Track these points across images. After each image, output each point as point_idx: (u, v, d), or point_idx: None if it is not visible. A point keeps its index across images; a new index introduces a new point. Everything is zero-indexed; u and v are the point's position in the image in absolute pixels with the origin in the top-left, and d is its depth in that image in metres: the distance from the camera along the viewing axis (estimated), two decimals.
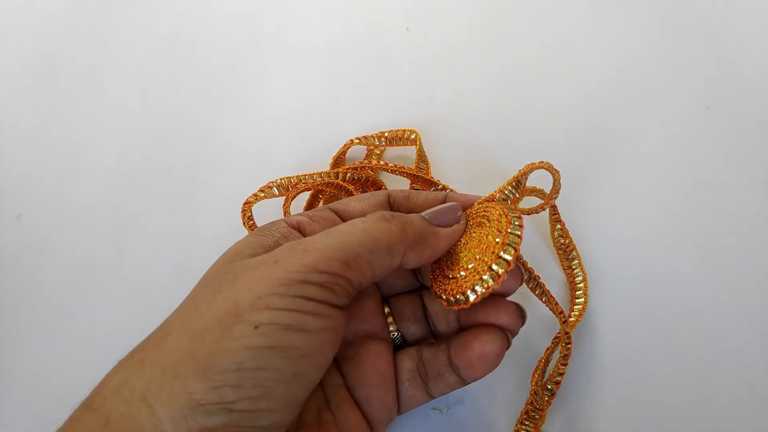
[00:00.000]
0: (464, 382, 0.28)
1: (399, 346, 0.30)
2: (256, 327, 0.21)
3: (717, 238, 0.37)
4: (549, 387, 0.32)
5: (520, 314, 0.28)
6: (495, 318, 0.27)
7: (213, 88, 0.44)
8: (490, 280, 0.24)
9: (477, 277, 0.24)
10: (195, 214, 0.40)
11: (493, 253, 0.24)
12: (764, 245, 0.37)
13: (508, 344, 0.27)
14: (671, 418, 0.32)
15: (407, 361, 0.29)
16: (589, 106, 0.43)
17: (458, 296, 0.25)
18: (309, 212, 0.28)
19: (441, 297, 0.26)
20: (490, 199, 0.28)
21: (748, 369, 0.33)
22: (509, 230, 0.25)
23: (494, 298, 0.28)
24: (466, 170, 0.39)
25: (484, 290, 0.24)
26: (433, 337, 0.30)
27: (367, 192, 0.34)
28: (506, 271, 0.24)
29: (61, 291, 0.37)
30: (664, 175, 0.39)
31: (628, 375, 0.33)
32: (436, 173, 0.39)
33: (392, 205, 0.29)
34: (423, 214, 0.27)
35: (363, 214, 0.28)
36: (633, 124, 0.42)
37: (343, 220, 0.28)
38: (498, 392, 0.33)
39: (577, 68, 0.44)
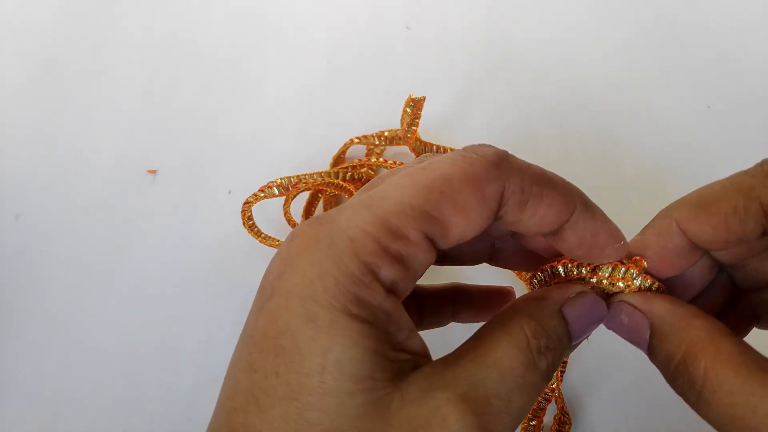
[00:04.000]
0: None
1: None
2: None
3: None
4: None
5: None
6: None
7: (213, 88, 0.44)
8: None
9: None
10: (194, 214, 0.39)
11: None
12: None
13: None
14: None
15: None
16: (589, 106, 0.43)
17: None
18: (397, 246, 0.19)
19: None
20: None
21: None
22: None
23: None
24: None
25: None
26: None
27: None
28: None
29: (60, 291, 0.37)
30: (664, 175, 0.39)
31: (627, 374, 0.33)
32: None
33: (500, 209, 0.21)
34: (570, 320, 0.21)
35: (465, 235, 0.20)
36: (633, 122, 0.42)
37: (437, 244, 0.20)
38: None
39: (577, 67, 0.44)
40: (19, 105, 0.44)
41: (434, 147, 0.38)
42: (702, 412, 0.19)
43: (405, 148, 0.40)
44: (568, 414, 0.32)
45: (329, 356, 0.18)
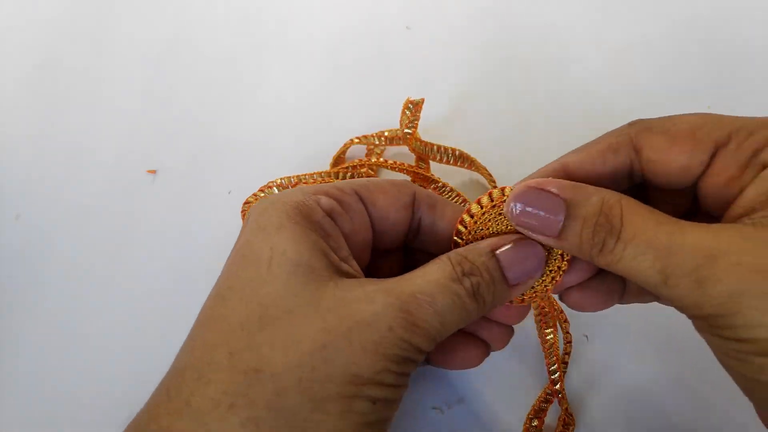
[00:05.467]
0: (428, 365, 0.29)
1: None
2: (374, 403, 0.21)
3: None
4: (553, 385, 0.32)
5: (509, 337, 0.28)
6: (487, 335, 0.28)
7: (213, 88, 0.44)
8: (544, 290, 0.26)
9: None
10: (194, 214, 0.39)
11: (549, 277, 0.26)
12: None
13: (488, 355, 0.28)
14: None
15: None
16: (589, 105, 0.43)
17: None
18: (333, 190, 0.26)
19: None
20: None
21: None
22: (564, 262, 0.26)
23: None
24: (465, 169, 0.39)
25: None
26: None
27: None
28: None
29: (60, 291, 0.37)
30: None
31: (628, 374, 0.33)
32: (436, 171, 0.39)
33: (415, 208, 0.28)
34: (500, 257, 0.24)
35: (387, 208, 0.26)
36: None
37: (369, 211, 0.27)
38: (499, 391, 0.33)
39: (577, 67, 0.44)
40: (19, 105, 0.44)
41: (434, 147, 0.38)
42: (617, 256, 0.22)
43: (405, 148, 0.40)
44: (572, 415, 0.31)
45: (276, 249, 0.23)
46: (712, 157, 0.23)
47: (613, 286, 0.26)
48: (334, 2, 0.48)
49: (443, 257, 0.24)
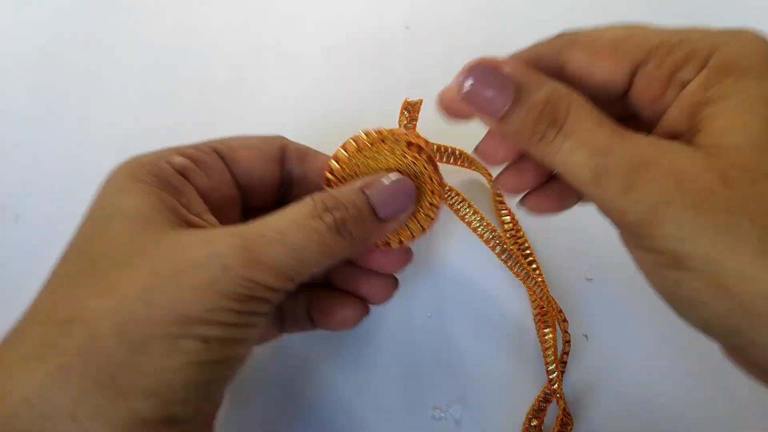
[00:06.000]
0: (317, 329, 0.29)
1: None
2: (205, 342, 0.20)
3: None
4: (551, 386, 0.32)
5: (391, 288, 0.28)
6: (367, 289, 0.28)
7: (212, 88, 0.44)
8: (417, 234, 0.27)
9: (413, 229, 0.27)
10: None
11: (422, 214, 0.26)
12: None
13: (368, 313, 0.28)
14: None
15: None
16: None
17: (394, 241, 0.27)
18: (188, 149, 0.26)
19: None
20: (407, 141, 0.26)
21: None
22: (437, 204, 0.26)
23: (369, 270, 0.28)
24: (465, 169, 0.39)
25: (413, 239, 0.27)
26: None
27: None
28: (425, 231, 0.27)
29: None
30: None
31: (631, 373, 0.33)
32: None
33: (285, 160, 0.27)
34: (370, 194, 0.24)
35: (251, 164, 0.27)
36: None
37: (229, 167, 0.26)
38: (499, 391, 0.33)
39: None
40: (19, 105, 0.44)
41: (434, 146, 0.38)
42: (555, 149, 0.21)
43: None
44: (570, 415, 0.31)
45: (116, 207, 0.23)
46: (634, 75, 0.23)
47: (568, 190, 0.26)
48: (334, 2, 0.48)
49: (306, 197, 0.23)
